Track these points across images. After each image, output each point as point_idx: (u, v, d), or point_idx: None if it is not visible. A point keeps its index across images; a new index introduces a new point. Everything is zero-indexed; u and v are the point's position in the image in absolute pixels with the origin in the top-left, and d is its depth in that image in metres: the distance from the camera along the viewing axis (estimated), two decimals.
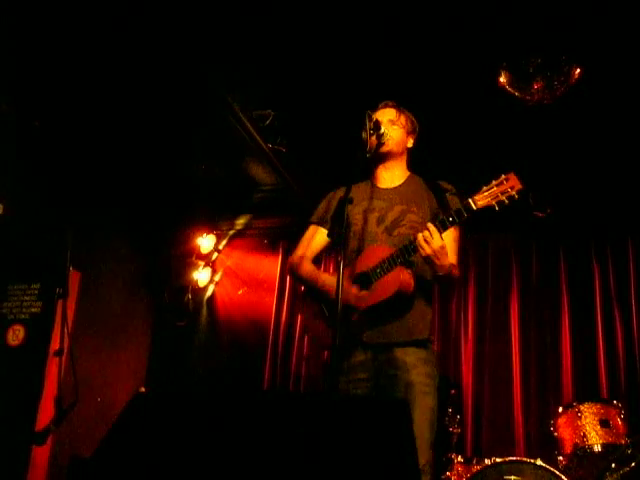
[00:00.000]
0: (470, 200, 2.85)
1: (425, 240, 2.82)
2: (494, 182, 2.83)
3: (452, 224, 2.88)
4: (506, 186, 2.80)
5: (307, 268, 3.27)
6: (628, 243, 6.04)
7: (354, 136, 3.37)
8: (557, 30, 4.19)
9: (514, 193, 2.79)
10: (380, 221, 3.16)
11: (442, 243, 2.83)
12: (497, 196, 2.80)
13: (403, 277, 2.91)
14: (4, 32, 4.25)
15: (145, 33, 4.35)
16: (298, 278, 3.37)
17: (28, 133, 4.98)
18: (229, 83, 4.94)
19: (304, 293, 3.36)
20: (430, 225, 2.85)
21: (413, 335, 3.00)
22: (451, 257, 3.02)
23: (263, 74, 4.87)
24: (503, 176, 2.83)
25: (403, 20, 4.29)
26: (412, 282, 2.94)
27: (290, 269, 3.40)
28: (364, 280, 3.01)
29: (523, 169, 5.61)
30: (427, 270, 3.00)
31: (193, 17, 4.29)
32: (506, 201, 2.79)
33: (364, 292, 3.00)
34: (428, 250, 2.81)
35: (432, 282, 3.11)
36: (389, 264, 2.94)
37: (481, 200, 2.83)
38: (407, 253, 2.91)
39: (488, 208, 2.83)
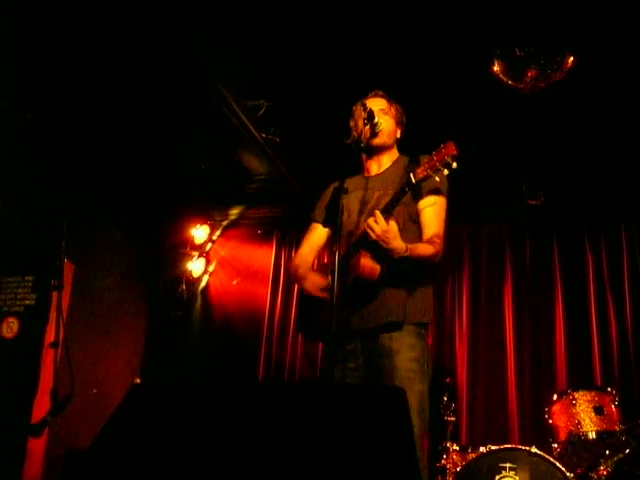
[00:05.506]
0: (411, 174, 2.88)
1: (369, 226, 2.83)
2: (434, 153, 2.85)
3: (397, 202, 2.90)
4: (443, 154, 2.80)
5: (300, 274, 3.28)
6: (621, 231, 6.05)
7: (348, 126, 3.38)
8: (550, 18, 4.18)
9: (449, 160, 2.78)
10: (362, 210, 3.18)
11: (386, 227, 2.81)
12: (435, 166, 2.82)
13: (363, 262, 2.91)
14: None
15: (138, 22, 4.32)
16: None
17: (21, 125, 4.95)
18: (223, 73, 4.92)
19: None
20: (376, 211, 2.86)
21: (389, 317, 2.97)
22: (433, 228, 3.05)
23: (257, 64, 4.85)
24: (442, 145, 2.83)
25: (396, 9, 4.27)
26: (374, 266, 2.91)
27: (291, 275, 3.46)
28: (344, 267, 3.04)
29: (517, 157, 5.65)
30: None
31: (187, 6, 4.26)
32: (444, 170, 2.80)
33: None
34: (373, 235, 2.83)
35: (414, 265, 3.01)
36: (352, 250, 2.99)
37: (421, 172, 2.85)
38: (364, 239, 2.92)
39: (427, 178, 2.85)
